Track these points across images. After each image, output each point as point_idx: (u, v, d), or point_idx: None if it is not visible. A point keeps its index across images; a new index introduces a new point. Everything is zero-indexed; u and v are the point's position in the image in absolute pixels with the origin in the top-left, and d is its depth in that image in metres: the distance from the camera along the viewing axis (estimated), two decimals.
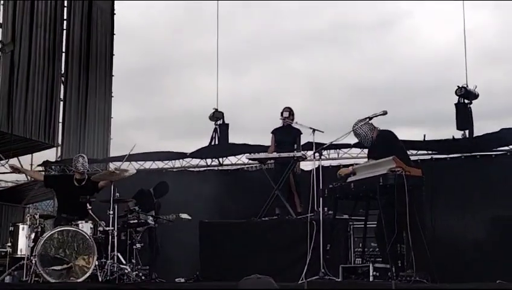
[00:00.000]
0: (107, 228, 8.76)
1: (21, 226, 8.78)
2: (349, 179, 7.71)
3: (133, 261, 9.16)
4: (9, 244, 8.77)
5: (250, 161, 11.79)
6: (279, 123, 10.77)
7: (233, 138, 13.52)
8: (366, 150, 12.15)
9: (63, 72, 16.90)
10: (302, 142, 10.78)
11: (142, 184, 10.97)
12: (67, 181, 9.60)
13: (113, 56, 18.23)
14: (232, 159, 13.60)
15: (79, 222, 8.79)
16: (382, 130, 7.98)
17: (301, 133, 10.42)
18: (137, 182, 10.93)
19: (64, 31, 17.07)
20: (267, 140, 11.27)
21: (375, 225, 8.07)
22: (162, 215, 10.35)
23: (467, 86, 12.02)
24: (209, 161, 13.74)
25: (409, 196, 7.00)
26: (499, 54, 20.85)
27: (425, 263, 7.16)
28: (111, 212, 8.76)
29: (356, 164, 8.79)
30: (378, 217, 7.56)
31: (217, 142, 13.42)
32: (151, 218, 10.01)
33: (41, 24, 16.17)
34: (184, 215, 10.27)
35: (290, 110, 10.69)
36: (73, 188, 9.39)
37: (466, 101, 12.03)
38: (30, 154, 16.81)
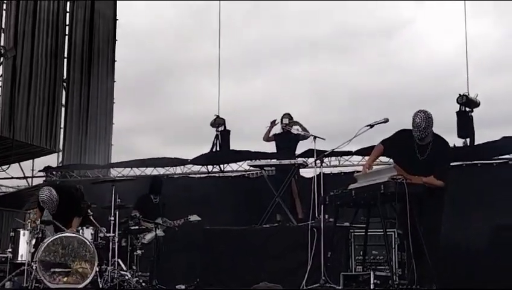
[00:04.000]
0: (108, 234, 8.75)
1: (22, 231, 8.75)
2: (351, 187, 7.70)
3: (134, 267, 9.14)
4: (9, 250, 8.75)
5: (252, 168, 11.80)
6: (280, 130, 10.83)
7: (235, 145, 13.53)
8: (367, 158, 12.23)
9: (64, 77, 16.92)
10: (304, 149, 10.82)
11: (143, 191, 10.95)
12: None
13: (115, 62, 18.26)
14: (233, 166, 13.61)
15: (79, 228, 8.79)
16: (440, 136, 7.54)
17: (300, 135, 10.48)
18: (139, 189, 10.92)
19: (66, 37, 17.09)
20: (268, 147, 11.31)
21: (376, 233, 8.08)
22: (170, 221, 10.30)
23: (468, 94, 12.02)
24: (210, 167, 13.74)
25: (411, 204, 6.99)
26: (501, 63, 20.85)
27: (427, 271, 7.15)
28: (112, 218, 8.76)
29: (358, 172, 8.79)
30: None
31: (218, 149, 13.42)
32: (159, 229, 9.93)
33: (43, 29, 16.19)
34: (193, 217, 10.21)
35: (289, 117, 10.74)
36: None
37: (467, 109, 12.03)
38: (31, 160, 16.83)
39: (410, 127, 7.31)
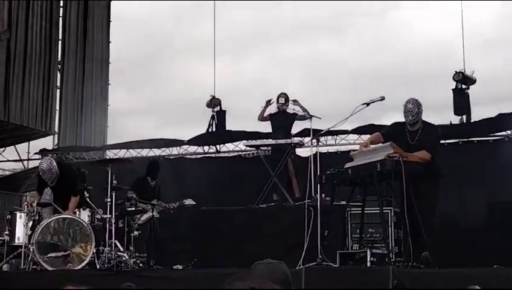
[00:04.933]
0: (105, 216, 8.75)
1: (18, 214, 8.77)
2: (347, 165, 7.70)
3: (131, 248, 9.15)
4: (6, 232, 8.76)
5: (248, 148, 11.79)
6: (276, 110, 10.81)
7: (231, 125, 13.50)
8: (364, 136, 12.23)
9: (59, 59, 16.85)
10: (300, 128, 10.81)
11: (140, 172, 10.94)
12: (43, 180, 9.38)
13: (110, 43, 18.17)
14: (229, 146, 13.60)
15: (76, 209, 8.79)
16: (430, 123, 7.84)
17: (296, 115, 10.47)
18: (135, 170, 10.90)
19: (61, 18, 17.00)
20: (264, 127, 11.29)
21: (372, 211, 8.10)
22: (165, 204, 10.31)
23: (465, 71, 11.99)
24: (206, 148, 13.72)
25: (407, 181, 7.00)
26: (497, 40, 20.82)
27: (424, 249, 7.18)
28: (108, 199, 8.75)
29: (354, 150, 8.79)
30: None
31: (214, 129, 13.39)
32: (155, 210, 9.94)
33: (37, 11, 16.11)
34: (188, 201, 10.23)
35: (285, 96, 10.71)
36: (48, 185, 9.24)
37: (463, 86, 12.00)
38: (27, 142, 16.81)
39: (402, 108, 7.55)
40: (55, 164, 8.93)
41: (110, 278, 7.55)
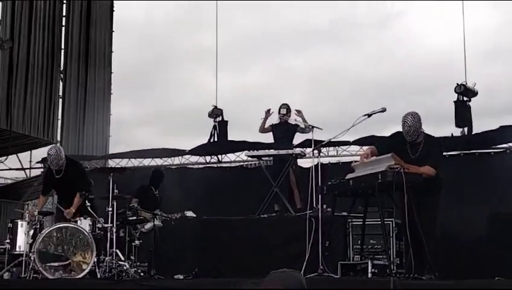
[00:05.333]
0: (106, 225, 8.76)
1: (20, 222, 8.78)
2: (348, 176, 7.70)
3: (132, 257, 9.15)
4: (8, 241, 8.77)
5: (249, 158, 11.80)
6: (277, 120, 10.83)
7: (233, 135, 13.53)
8: (365, 148, 12.22)
9: (62, 68, 16.89)
10: (301, 139, 10.81)
11: (141, 181, 10.95)
12: (50, 175, 9.49)
13: (112, 53, 18.21)
14: (231, 156, 13.63)
15: (77, 218, 8.81)
16: (432, 136, 7.77)
17: (298, 126, 10.49)
18: (136, 179, 10.92)
19: (63, 28, 17.05)
20: (266, 137, 11.31)
21: (374, 222, 8.09)
22: (167, 214, 10.33)
23: (466, 83, 12.00)
24: (208, 158, 13.74)
25: (408, 193, 7.00)
26: (499, 52, 20.86)
27: (425, 261, 7.18)
28: (110, 208, 8.76)
29: (355, 161, 8.79)
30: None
31: (216, 139, 13.41)
32: (157, 220, 9.96)
33: (40, 21, 16.16)
34: (189, 213, 10.29)
35: (287, 107, 10.73)
36: (55, 180, 9.35)
37: (465, 98, 12.02)
38: (29, 151, 16.83)
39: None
40: (63, 154, 9.06)
41: (111, 288, 7.54)
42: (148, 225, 9.90)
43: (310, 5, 18.79)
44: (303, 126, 10.36)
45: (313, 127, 9.69)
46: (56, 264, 8.29)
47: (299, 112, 10.52)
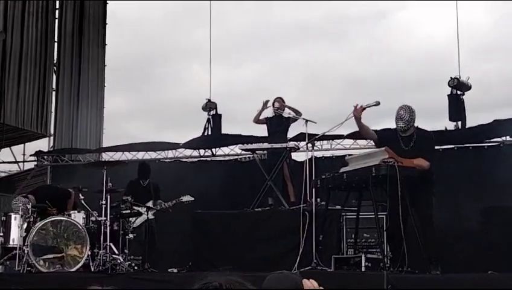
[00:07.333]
0: (100, 218, 8.75)
1: (13, 216, 8.75)
2: (342, 170, 7.71)
3: (126, 251, 9.15)
4: (1, 234, 8.75)
5: (243, 152, 11.79)
6: (271, 114, 10.82)
7: (226, 129, 13.51)
8: (359, 141, 12.25)
9: (55, 61, 16.84)
10: (296, 133, 10.81)
11: (135, 175, 10.93)
12: None
13: (106, 46, 18.15)
14: (225, 150, 13.60)
15: (71, 212, 8.79)
16: (423, 129, 7.84)
17: (292, 119, 10.46)
18: (130, 173, 10.89)
19: (57, 20, 16.99)
20: (260, 131, 11.30)
21: (367, 216, 8.11)
22: (163, 203, 10.25)
23: (460, 77, 12.02)
24: (202, 151, 13.72)
25: (402, 186, 7.02)
26: (493, 46, 20.87)
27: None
28: (103, 202, 8.75)
29: (349, 155, 8.80)
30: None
31: (209, 133, 13.39)
32: (151, 213, 9.92)
33: (33, 13, 16.09)
34: (186, 198, 10.14)
35: (281, 100, 10.71)
36: None
37: (458, 92, 12.03)
38: (22, 144, 16.79)
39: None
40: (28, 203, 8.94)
41: (105, 281, 7.54)
42: (139, 219, 9.86)
43: (303, 0, 18.73)
44: (292, 116, 10.31)
45: (307, 120, 9.68)
46: (50, 256, 8.28)
47: (287, 107, 10.49)
